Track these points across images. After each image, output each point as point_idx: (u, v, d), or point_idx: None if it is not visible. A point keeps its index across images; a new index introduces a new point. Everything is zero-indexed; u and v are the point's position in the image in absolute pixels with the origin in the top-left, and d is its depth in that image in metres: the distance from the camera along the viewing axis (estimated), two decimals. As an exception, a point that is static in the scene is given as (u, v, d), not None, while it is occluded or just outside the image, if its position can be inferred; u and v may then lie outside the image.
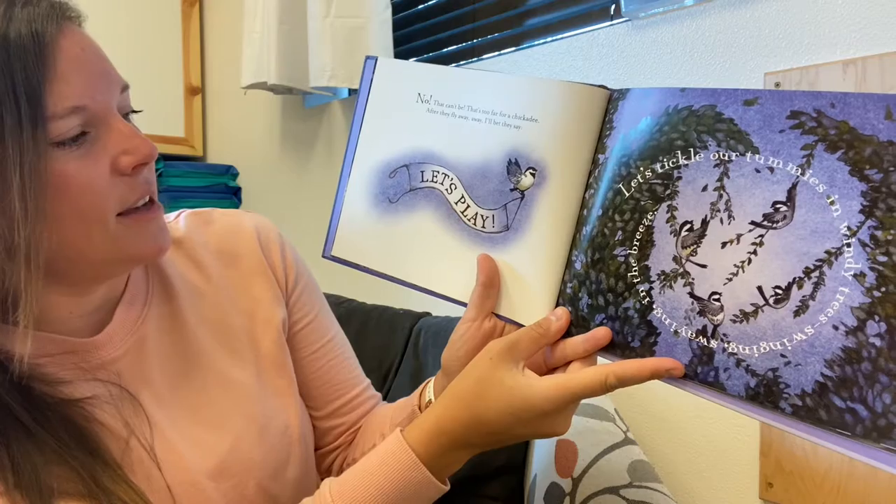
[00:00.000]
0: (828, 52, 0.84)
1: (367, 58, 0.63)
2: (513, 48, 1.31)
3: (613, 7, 1.10)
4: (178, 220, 0.69)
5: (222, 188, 1.91)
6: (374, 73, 0.62)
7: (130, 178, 0.52)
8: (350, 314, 1.17)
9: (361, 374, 0.76)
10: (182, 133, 2.00)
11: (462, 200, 0.58)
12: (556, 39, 1.21)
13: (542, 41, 1.26)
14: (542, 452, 0.90)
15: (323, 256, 0.65)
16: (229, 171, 1.93)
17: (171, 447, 0.57)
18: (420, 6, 1.48)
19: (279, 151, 1.80)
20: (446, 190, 0.59)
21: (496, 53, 1.35)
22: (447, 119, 0.59)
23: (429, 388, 0.64)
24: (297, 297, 0.71)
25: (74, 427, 0.51)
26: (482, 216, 0.57)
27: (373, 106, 0.62)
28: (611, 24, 1.10)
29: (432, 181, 0.59)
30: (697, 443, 0.98)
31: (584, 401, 0.93)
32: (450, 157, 0.59)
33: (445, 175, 0.59)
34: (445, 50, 1.44)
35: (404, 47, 1.50)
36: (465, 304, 0.58)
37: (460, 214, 0.58)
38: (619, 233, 0.51)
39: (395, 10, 1.45)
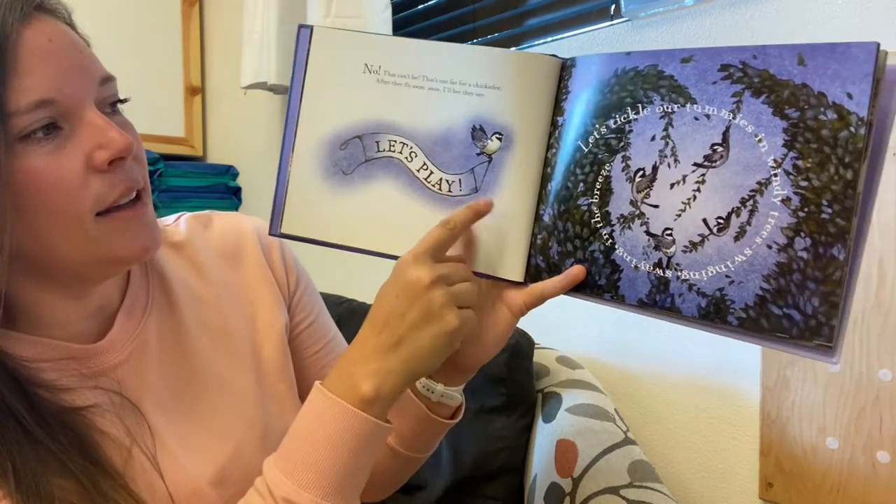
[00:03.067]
0: (828, 52, 0.84)
1: (301, 26, 0.62)
2: (513, 48, 1.31)
3: (613, 7, 1.10)
4: (179, 224, 0.68)
5: (222, 188, 1.90)
6: (310, 43, 0.62)
7: (109, 174, 0.49)
8: (350, 314, 1.17)
9: None
10: (182, 133, 1.99)
11: (424, 167, 0.60)
12: (556, 39, 1.21)
13: (542, 41, 1.26)
14: (542, 452, 0.90)
15: (270, 234, 0.63)
16: (229, 171, 1.93)
17: (172, 455, 0.56)
18: (420, 6, 1.48)
19: (279, 151, 1.80)
20: (406, 158, 0.60)
21: (496, 53, 1.35)
22: (401, 89, 0.60)
23: None
24: (299, 298, 0.71)
25: (76, 435, 0.50)
26: (447, 181, 0.60)
27: (312, 78, 0.62)
28: (611, 24, 1.10)
29: (389, 151, 0.61)
30: (697, 443, 0.98)
31: (584, 401, 0.93)
32: (407, 126, 0.60)
33: (404, 144, 0.60)
34: (445, 50, 1.44)
35: (404, 47, 1.50)
36: None
37: (423, 181, 0.60)
38: (582, 184, 0.57)
39: (395, 10, 1.45)
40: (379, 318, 0.52)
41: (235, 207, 1.93)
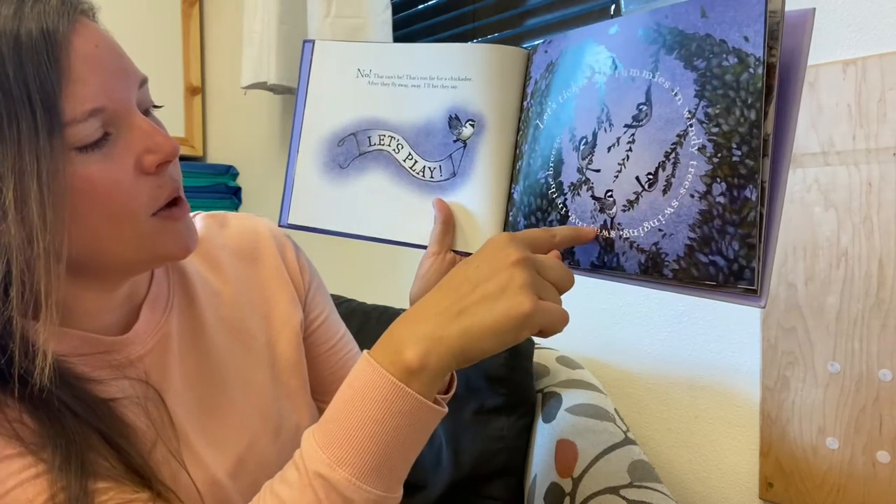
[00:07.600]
0: (828, 52, 0.84)
1: (305, 41, 0.70)
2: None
3: (613, 7, 1.10)
4: (195, 222, 0.69)
5: (222, 188, 1.90)
6: (312, 55, 0.69)
7: (156, 176, 0.51)
8: (350, 314, 1.17)
9: None
10: (182, 133, 1.99)
11: (410, 157, 0.65)
12: (556, 39, 1.21)
13: (541, 41, 1.26)
14: (541, 452, 0.90)
15: (279, 225, 0.70)
16: (229, 171, 1.93)
17: (192, 447, 0.57)
18: (420, 6, 1.48)
19: (279, 151, 1.80)
20: (393, 150, 0.66)
21: (496, 53, 1.35)
22: (388, 88, 0.66)
23: None
24: (312, 296, 0.73)
25: (106, 425, 0.51)
26: (430, 168, 0.65)
27: (314, 85, 0.68)
28: (611, 24, 1.10)
29: (379, 144, 0.66)
30: (697, 443, 0.98)
31: (584, 401, 0.93)
32: (394, 121, 0.66)
33: (392, 137, 0.66)
34: (445, 50, 1.44)
35: (404, 47, 1.49)
36: (422, 247, 0.64)
37: (409, 170, 0.65)
38: (539, 159, 0.60)
39: (395, 10, 1.45)
40: (449, 283, 0.48)
41: (235, 207, 1.93)
